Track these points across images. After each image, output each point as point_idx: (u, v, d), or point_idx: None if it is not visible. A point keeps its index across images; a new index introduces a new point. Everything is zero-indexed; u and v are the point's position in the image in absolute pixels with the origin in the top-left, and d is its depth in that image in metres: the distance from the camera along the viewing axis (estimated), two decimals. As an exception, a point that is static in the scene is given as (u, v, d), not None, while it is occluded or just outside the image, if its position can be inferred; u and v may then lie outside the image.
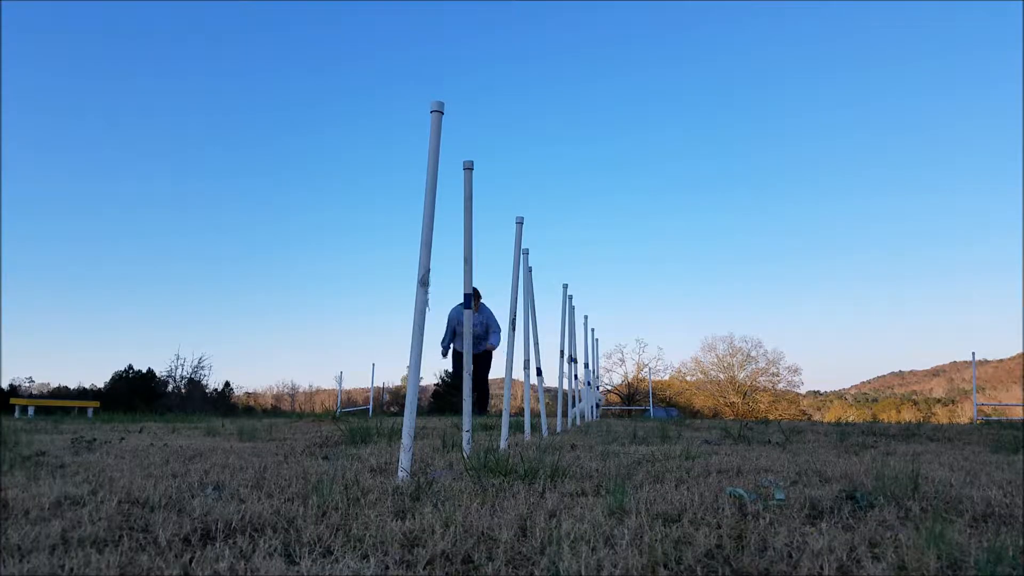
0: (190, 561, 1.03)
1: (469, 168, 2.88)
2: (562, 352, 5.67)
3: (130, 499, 1.52)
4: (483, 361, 8.15)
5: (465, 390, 2.67)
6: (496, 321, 8.19)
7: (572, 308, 6.14)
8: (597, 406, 8.35)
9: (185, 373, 25.57)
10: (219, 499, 1.53)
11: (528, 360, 4.02)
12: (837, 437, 4.10)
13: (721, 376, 36.86)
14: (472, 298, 2.79)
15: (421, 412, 17.44)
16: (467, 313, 2.76)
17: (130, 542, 1.14)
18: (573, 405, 7.26)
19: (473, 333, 7.07)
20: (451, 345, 8.19)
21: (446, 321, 8.08)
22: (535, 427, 4.72)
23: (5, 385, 24.96)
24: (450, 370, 10.51)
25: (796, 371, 36.50)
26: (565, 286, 5.76)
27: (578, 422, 6.95)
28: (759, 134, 54.63)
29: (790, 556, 1.09)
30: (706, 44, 57.44)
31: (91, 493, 1.58)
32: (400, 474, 1.93)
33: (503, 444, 3.17)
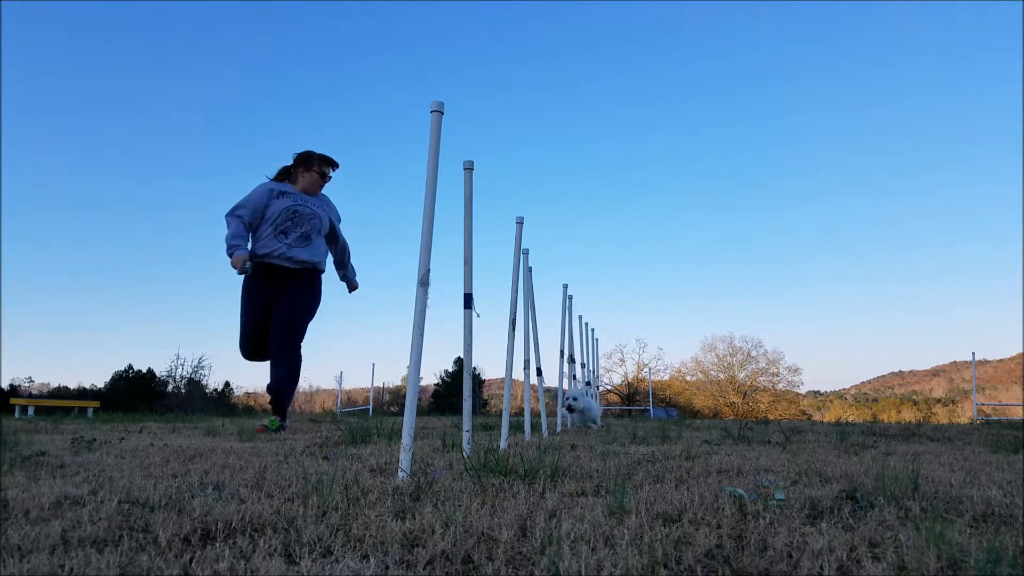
0: (190, 561, 1.03)
1: (469, 168, 2.88)
2: (562, 352, 5.67)
3: (130, 499, 1.52)
4: (303, 288, 4.36)
5: (465, 390, 2.67)
6: (339, 218, 4.69)
7: (571, 308, 6.14)
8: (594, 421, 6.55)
9: (185, 373, 25.56)
10: (219, 499, 1.53)
11: (528, 360, 4.02)
12: (837, 437, 4.10)
13: (721, 376, 36.88)
14: (470, 298, 2.77)
15: (421, 412, 17.44)
16: (467, 314, 2.75)
17: (130, 542, 1.14)
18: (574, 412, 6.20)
19: (299, 227, 4.34)
20: (250, 249, 4.35)
21: (241, 204, 4.32)
22: (535, 427, 4.72)
23: (5, 385, 24.96)
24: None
25: (796, 371, 36.54)
26: (565, 286, 5.76)
27: (570, 424, 6.14)
28: (759, 134, 54.67)
29: (790, 556, 1.09)
30: (706, 44, 57.48)
31: (91, 493, 1.58)
32: (400, 474, 1.93)
33: (503, 444, 3.17)
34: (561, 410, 6.01)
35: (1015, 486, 1.79)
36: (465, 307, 2.73)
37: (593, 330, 8.68)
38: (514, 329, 3.53)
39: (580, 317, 7.70)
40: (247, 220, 4.33)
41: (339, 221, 4.77)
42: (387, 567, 1.03)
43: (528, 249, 4.01)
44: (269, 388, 4.38)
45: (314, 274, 4.49)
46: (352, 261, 4.93)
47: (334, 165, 4.61)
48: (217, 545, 1.13)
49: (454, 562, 1.06)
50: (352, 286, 4.92)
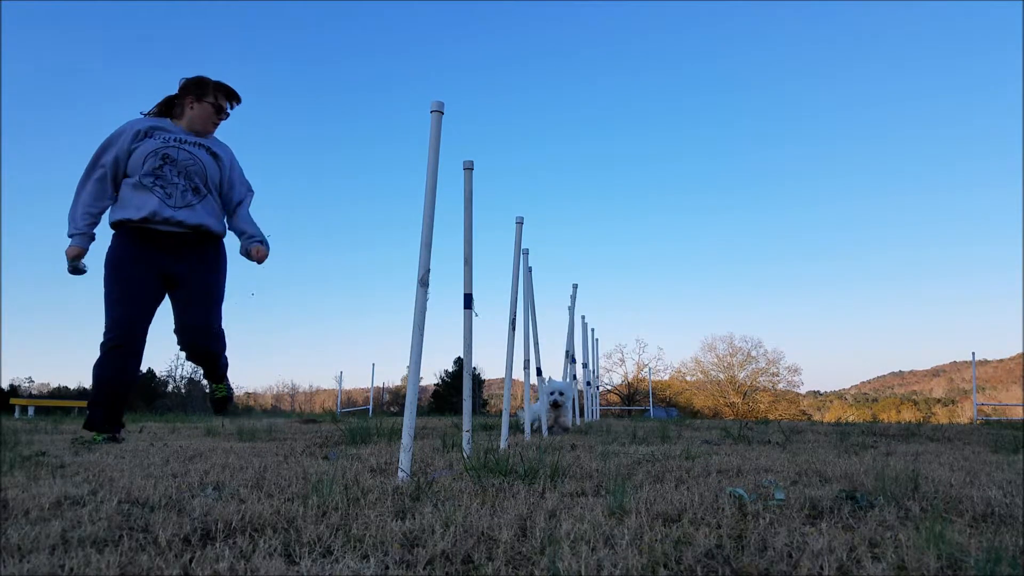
0: (190, 561, 1.03)
1: (469, 168, 2.88)
2: (567, 353, 5.67)
3: (130, 499, 1.52)
4: (209, 261, 3.38)
5: (465, 390, 2.67)
6: (241, 171, 3.56)
7: (573, 309, 6.13)
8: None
9: (185, 373, 25.59)
10: (219, 499, 1.53)
11: (528, 360, 4.02)
12: (837, 437, 4.10)
13: (721, 376, 36.91)
14: (470, 298, 2.77)
15: (421, 412, 17.44)
16: (467, 314, 2.75)
17: (130, 542, 1.14)
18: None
19: (177, 177, 3.22)
20: (113, 213, 3.27)
21: (100, 153, 3.23)
22: (535, 427, 4.71)
23: (5, 385, 24.98)
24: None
25: (796, 371, 36.62)
26: (575, 286, 5.73)
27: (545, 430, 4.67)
28: (759, 134, 54.66)
29: (790, 556, 1.09)
30: (707, 44, 57.47)
31: (91, 493, 1.58)
32: (400, 474, 1.93)
33: (503, 444, 3.17)
34: (531, 410, 4.54)
35: (1015, 486, 1.79)
36: (465, 307, 2.73)
37: (593, 330, 8.69)
38: (514, 329, 3.53)
39: (583, 317, 7.70)
40: (110, 177, 3.22)
41: (242, 180, 3.51)
42: (387, 567, 1.03)
43: (528, 249, 4.01)
44: (213, 369, 3.59)
45: (216, 240, 3.42)
46: (239, 206, 3.53)
47: (235, 98, 3.47)
48: (217, 545, 1.13)
49: (454, 562, 1.06)
50: (258, 255, 3.45)
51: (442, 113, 2.27)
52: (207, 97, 3.40)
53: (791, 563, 1.06)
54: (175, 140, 3.29)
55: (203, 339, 3.35)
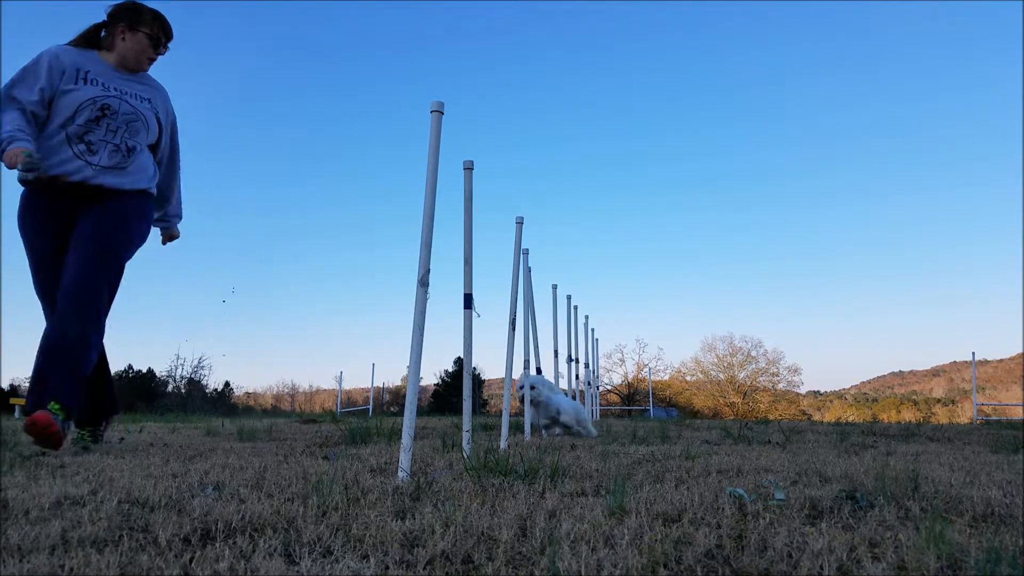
0: (190, 561, 1.03)
1: (469, 168, 2.88)
2: (556, 352, 5.67)
3: (130, 499, 1.53)
4: (127, 206, 2.85)
5: (465, 390, 2.67)
6: (175, 122, 3.15)
7: (569, 308, 6.14)
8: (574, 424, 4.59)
9: (185, 373, 25.55)
10: (219, 499, 1.53)
11: (528, 360, 4.02)
12: (837, 437, 4.10)
13: (721, 376, 36.89)
14: (470, 298, 2.76)
15: (421, 412, 17.47)
16: (467, 314, 2.75)
17: (130, 542, 1.14)
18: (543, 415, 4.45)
19: (113, 133, 2.81)
20: (34, 151, 2.58)
21: (18, 83, 2.71)
22: (535, 427, 4.72)
23: (5, 385, 24.95)
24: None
25: (796, 371, 36.57)
26: (555, 287, 5.74)
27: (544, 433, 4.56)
28: (759, 134, 54.70)
29: (790, 556, 1.09)
30: (707, 44, 57.52)
31: (91, 493, 1.58)
32: (400, 474, 1.93)
33: (503, 444, 3.18)
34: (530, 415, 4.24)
35: (1015, 486, 1.79)
36: (465, 307, 2.73)
37: (593, 330, 8.70)
38: (514, 329, 3.53)
39: (587, 317, 7.71)
40: (31, 109, 2.72)
41: (175, 125, 3.16)
42: (387, 567, 1.03)
43: (528, 249, 4.01)
44: (43, 353, 2.69)
45: (142, 197, 2.95)
46: (182, 191, 3.25)
47: (168, 34, 3.00)
48: (217, 545, 1.13)
49: (454, 562, 1.06)
50: (170, 235, 3.26)
51: (442, 113, 2.27)
52: (142, 26, 2.92)
53: (791, 563, 1.06)
54: (116, 89, 2.86)
55: (72, 301, 2.64)
